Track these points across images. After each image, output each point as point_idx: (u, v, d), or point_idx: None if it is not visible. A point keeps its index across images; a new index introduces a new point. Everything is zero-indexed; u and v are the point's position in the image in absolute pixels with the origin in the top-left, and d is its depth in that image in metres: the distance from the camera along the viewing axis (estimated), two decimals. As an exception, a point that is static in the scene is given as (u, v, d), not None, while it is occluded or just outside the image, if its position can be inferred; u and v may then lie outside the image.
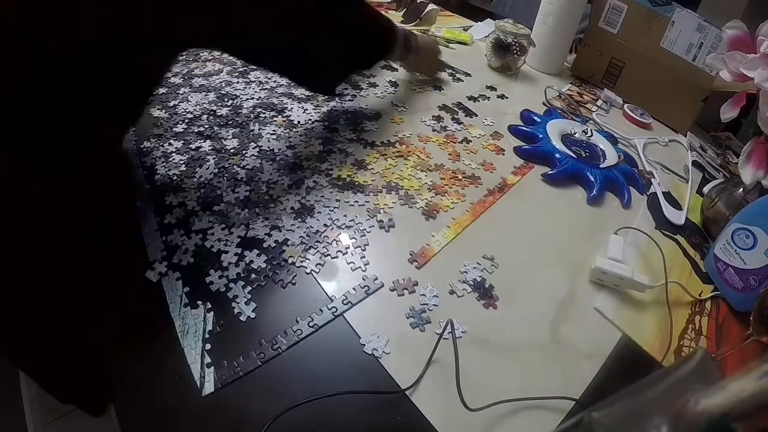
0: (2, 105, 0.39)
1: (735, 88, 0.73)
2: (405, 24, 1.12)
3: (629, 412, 0.26)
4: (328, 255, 0.51)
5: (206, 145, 0.64)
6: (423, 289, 0.49)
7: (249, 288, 0.47)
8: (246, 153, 0.63)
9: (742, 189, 0.67)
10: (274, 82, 0.80)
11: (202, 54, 0.87)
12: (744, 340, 0.47)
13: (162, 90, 0.75)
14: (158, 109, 0.70)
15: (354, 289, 0.48)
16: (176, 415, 0.38)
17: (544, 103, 0.88)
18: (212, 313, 0.44)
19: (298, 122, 0.71)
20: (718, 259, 0.57)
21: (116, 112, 0.49)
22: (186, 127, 0.67)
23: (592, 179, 0.67)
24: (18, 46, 0.38)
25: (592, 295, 0.53)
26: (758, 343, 0.45)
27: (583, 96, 0.95)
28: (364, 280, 0.49)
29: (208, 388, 0.39)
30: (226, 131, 0.67)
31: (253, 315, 0.45)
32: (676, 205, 0.70)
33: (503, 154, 0.72)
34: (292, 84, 0.80)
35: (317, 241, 0.52)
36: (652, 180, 0.73)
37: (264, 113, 0.72)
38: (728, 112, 0.72)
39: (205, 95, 0.75)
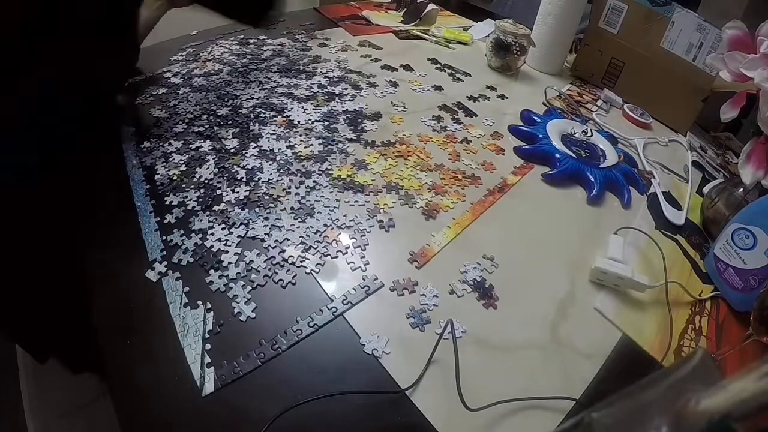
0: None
1: (735, 88, 0.73)
2: (405, 24, 1.12)
3: (629, 412, 0.26)
4: (328, 255, 0.51)
5: (206, 145, 0.64)
6: (423, 289, 0.49)
7: (249, 288, 0.47)
8: (246, 153, 0.63)
9: (742, 189, 0.67)
10: (274, 82, 0.80)
11: (202, 54, 0.87)
12: (744, 340, 0.47)
13: (162, 90, 0.75)
14: (158, 109, 0.70)
15: (354, 289, 0.48)
16: (176, 415, 0.38)
17: (544, 103, 0.88)
18: (212, 313, 0.44)
19: (298, 122, 0.71)
20: (718, 259, 0.57)
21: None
22: (186, 127, 0.67)
23: (592, 179, 0.67)
24: None
25: (592, 295, 0.53)
26: (758, 343, 0.45)
27: (583, 96, 0.95)
28: (364, 280, 0.49)
29: (208, 388, 0.39)
30: (226, 131, 0.67)
31: (253, 315, 0.45)
32: (676, 205, 0.70)
33: (503, 154, 0.72)
34: (291, 84, 0.80)
35: (317, 241, 0.52)
36: (652, 180, 0.73)
37: (264, 113, 0.72)
38: (728, 112, 0.72)
39: (205, 95, 0.75)
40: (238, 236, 0.52)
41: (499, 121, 0.80)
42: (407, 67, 0.92)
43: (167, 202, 0.55)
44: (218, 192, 0.57)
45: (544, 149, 0.72)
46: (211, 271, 0.48)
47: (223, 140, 0.65)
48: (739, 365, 0.47)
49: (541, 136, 0.74)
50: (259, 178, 0.59)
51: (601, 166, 0.70)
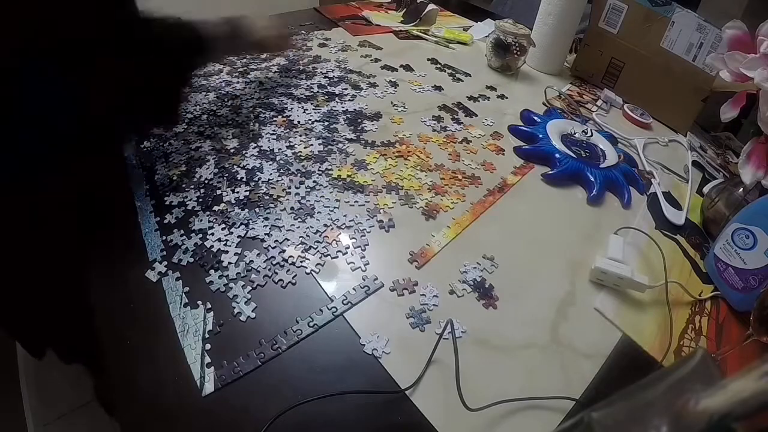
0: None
1: (735, 88, 0.73)
2: (405, 24, 1.12)
3: (629, 412, 0.26)
4: (328, 255, 0.51)
5: (206, 145, 0.64)
6: (423, 289, 0.49)
7: (249, 288, 0.47)
8: (246, 153, 0.63)
9: (742, 189, 0.67)
10: (274, 82, 0.80)
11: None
12: (744, 340, 0.47)
13: (162, 90, 0.75)
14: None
15: (354, 289, 0.48)
16: (176, 415, 0.38)
17: (544, 103, 0.88)
18: (212, 313, 0.44)
19: (298, 122, 0.71)
20: (718, 259, 0.57)
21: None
22: (186, 127, 0.67)
23: (592, 179, 0.67)
24: None
25: (592, 295, 0.53)
26: (758, 343, 0.45)
27: (583, 96, 0.95)
28: (364, 280, 0.49)
29: (208, 388, 0.39)
30: (226, 131, 0.67)
31: (253, 315, 0.45)
32: (676, 205, 0.70)
33: (503, 154, 0.72)
34: (291, 84, 0.80)
35: (317, 241, 0.52)
36: (652, 180, 0.73)
37: (264, 113, 0.72)
38: (728, 112, 0.72)
39: (205, 95, 0.75)
40: (238, 236, 0.52)
41: (499, 121, 0.80)
42: (407, 67, 0.92)
43: (167, 202, 0.55)
44: (218, 192, 0.57)
45: (544, 149, 0.72)
46: (211, 271, 0.48)
47: (223, 140, 0.65)
48: (739, 365, 0.47)
49: (541, 136, 0.74)
50: (259, 178, 0.59)
51: (601, 166, 0.70)
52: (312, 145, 0.66)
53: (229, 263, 0.49)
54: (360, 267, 0.51)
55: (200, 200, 0.56)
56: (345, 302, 0.47)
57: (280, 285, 0.48)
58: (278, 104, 0.74)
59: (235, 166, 0.61)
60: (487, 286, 0.51)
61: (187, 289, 0.46)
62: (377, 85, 0.84)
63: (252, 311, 0.45)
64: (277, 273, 0.49)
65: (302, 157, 0.64)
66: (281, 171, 0.61)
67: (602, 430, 0.26)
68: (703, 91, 0.84)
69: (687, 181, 0.77)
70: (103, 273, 0.48)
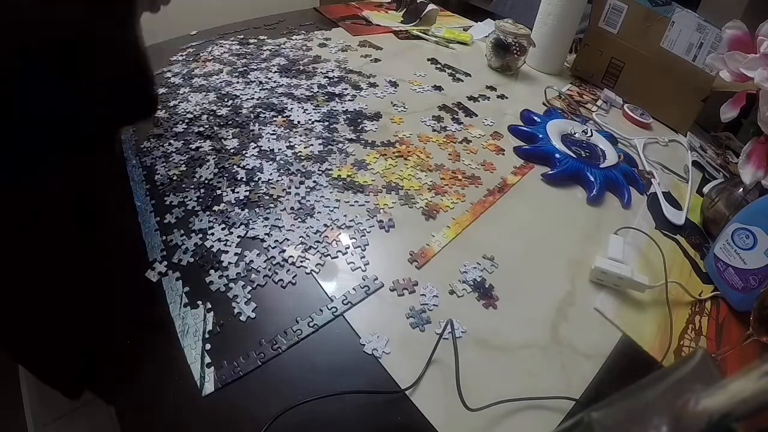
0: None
1: (735, 88, 0.73)
2: (405, 24, 1.12)
3: (629, 412, 0.26)
4: (328, 255, 0.51)
5: (206, 145, 0.64)
6: (423, 289, 0.49)
7: (249, 288, 0.47)
8: (246, 153, 0.63)
9: (742, 189, 0.67)
10: (274, 82, 0.80)
11: (202, 54, 0.87)
12: (744, 340, 0.47)
13: (162, 90, 0.75)
14: (158, 109, 0.70)
15: (354, 289, 0.48)
16: (176, 415, 0.38)
17: (544, 103, 0.88)
18: (212, 313, 0.44)
19: (298, 122, 0.71)
20: (718, 259, 0.57)
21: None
22: (186, 127, 0.67)
23: (592, 179, 0.67)
24: None
25: (592, 295, 0.53)
26: (758, 343, 0.45)
27: (583, 96, 0.95)
28: (364, 280, 0.49)
29: (208, 388, 0.39)
30: (226, 131, 0.67)
31: (253, 315, 0.45)
32: (676, 205, 0.70)
33: (503, 154, 0.72)
34: (291, 84, 0.80)
35: (317, 241, 0.52)
36: (652, 180, 0.73)
37: (264, 113, 0.72)
38: (728, 112, 0.72)
39: (205, 95, 0.75)
40: (238, 236, 0.52)
41: (499, 121, 0.80)
42: (407, 68, 0.92)
43: (167, 202, 0.55)
44: (218, 192, 0.57)
45: (544, 149, 0.72)
46: (211, 271, 0.48)
47: (223, 140, 0.65)
48: (739, 365, 0.47)
49: (541, 136, 0.74)
50: (259, 178, 0.59)
51: (601, 166, 0.70)
52: (312, 145, 0.66)
53: (229, 263, 0.49)
54: (360, 267, 0.51)
55: (200, 200, 0.56)
56: (345, 302, 0.47)
57: (280, 285, 0.48)
58: (278, 104, 0.74)
59: (235, 166, 0.61)
60: (487, 286, 0.51)
61: (187, 289, 0.46)
62: (377, 85, 0.84)
63: (252, 311, 0.45)
64: (277, 273, 0.49)
65: (302, 157, 0.64)
66: (281, 171, 0.61)
67: (602, 430, 0.26)
68: (703, 91, 0.84)
69: (687, 181, 0.77)
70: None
